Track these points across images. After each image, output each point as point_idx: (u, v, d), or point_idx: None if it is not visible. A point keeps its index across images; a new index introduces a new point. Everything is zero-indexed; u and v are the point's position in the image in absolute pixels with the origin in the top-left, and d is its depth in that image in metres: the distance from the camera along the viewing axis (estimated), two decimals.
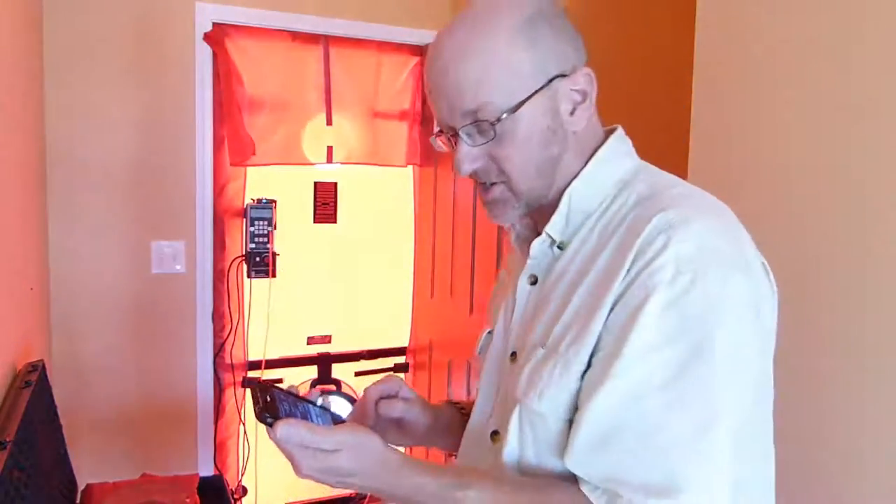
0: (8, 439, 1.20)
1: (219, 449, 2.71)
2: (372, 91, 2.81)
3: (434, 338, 2.85)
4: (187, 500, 1.80)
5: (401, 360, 3.11)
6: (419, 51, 2.84)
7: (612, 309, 0.72)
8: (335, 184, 3.01)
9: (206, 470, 2.63)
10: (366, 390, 0.98)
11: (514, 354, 0.85)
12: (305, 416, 0.76)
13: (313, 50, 2.70)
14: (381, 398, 0.96)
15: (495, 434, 0.84)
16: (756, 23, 1.35)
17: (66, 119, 2.37)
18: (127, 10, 2.42)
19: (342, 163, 2.81)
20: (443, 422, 1.00)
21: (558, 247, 0.83)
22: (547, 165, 0.81)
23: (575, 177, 0.82)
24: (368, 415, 0.95)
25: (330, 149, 2.76)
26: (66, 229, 2.41)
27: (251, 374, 2.75)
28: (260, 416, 0.73)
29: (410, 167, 2.97)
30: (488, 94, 0.76)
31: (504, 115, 0.77)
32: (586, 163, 0.83)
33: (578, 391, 0.74)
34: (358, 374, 3.03)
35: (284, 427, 0.71)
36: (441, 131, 0.83)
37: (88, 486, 1.88)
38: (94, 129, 2.42)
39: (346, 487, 0.76)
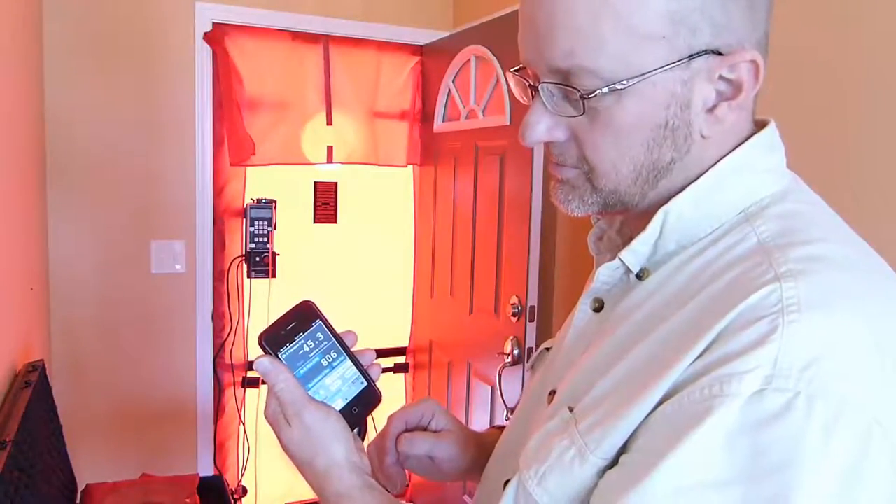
0: (8, 439, 1.20)
1: (219, 449, 2.71)
2: (372, 91, 2.81)
3: (434, 338, 2.85)
4: (187, 501, 1.80)
5: (401, 360, 3.11)
6: (419, 51, 2.84)
7: (660, 402, 0.50)
8: (335, 184, 3.01)
9: (206, 470, 2.63)
10: (389, 419, 0.79)
11: (552, 393, 0.63)
12: (318, 371, 0.66)
13: (313, 50, 2.70)
14: (406, 431, 0.78)
15: (507, 484, 0.60)
16: None
17: (66, 119, 2.37)
18: (127, 10, 2.42)
19: (342, 163, 2.81)
20: (485, 461, 0.75)
21: (637, 276, 0.59)
22: (649, 171, 0.57)
23: (682, 189, 0.57)
24: (388, 450, 0.76)
25: (330, 149, 2.76)
26: (66, 229, 2.41)
27: (251, 374, 2.75)
28: (260, 339, 0.66)
29: (410, 167, 2.97)
30: (590, 55, 0.52)
31: (602, 91, 0.53)
32: (705, 171, 0.57)
33: (593, 489, 0.52)
34: None
35: (266, 363, 0.64)
36: (523, 68, 0.58)
37: (88, 486, 1.88)
38: (94, 129, 2.42)
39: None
